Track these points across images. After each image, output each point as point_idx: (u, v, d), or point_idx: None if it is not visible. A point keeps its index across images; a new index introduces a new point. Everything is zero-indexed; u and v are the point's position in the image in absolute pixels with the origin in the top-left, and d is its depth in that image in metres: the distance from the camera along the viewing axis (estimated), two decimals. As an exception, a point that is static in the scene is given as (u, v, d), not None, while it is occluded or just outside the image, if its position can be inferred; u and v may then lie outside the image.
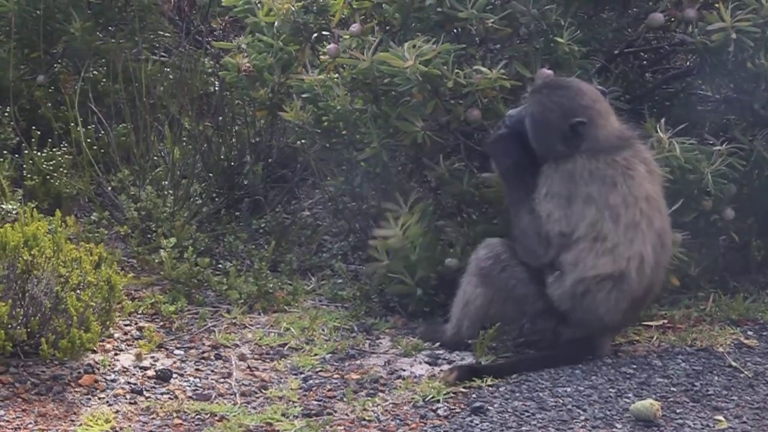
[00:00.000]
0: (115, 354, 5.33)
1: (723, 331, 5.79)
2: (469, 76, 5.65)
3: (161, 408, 4.86)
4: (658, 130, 5.70)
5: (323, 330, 5.72)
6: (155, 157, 6.97)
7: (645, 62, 6.89)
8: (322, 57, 6.22)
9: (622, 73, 6.51)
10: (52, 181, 6.74)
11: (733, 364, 5.43)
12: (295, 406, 4.92)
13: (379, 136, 5.91)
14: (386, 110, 5.91)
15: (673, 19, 6.26)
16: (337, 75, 6.10)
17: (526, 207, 5.39)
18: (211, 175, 7.03)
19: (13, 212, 6.17)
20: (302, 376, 5.24)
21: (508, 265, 5.42)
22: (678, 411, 4.94)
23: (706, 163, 5.74)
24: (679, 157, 5.64)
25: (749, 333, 5.81)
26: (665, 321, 5.90)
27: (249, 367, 5.32)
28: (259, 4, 6.51)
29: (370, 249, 5.90)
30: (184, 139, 7.16)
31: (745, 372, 5.36)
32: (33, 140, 6.87)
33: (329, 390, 5.11)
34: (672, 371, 5.34)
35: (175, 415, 4.82)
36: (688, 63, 6.80)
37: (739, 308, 6.01)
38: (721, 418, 4.89)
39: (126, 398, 4.94)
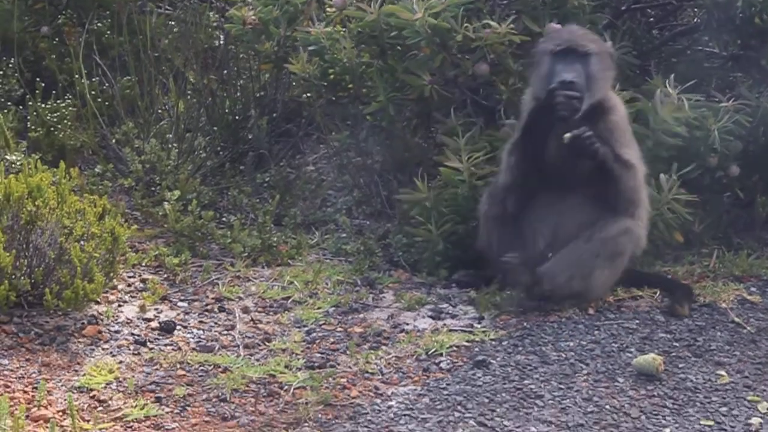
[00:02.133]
0: (119, 305, 5.34)
1: (726, 287, 5.78)
2: (478, 30, 5.62)
3: (165, 359, 4.87)
4: (667, 86, 5.67)
5: (327, 284, 5.73)
6: (159, 111, 6.97)
7: (652, 18, 6.86)
8: (328, 10, 6.19)
9: (629, 29, 6.48)
10: (56, 132, 6.74)
11: (736, 319, 5.44)
12: (298, 359, 4.93)
13: (386, 90, 5.89)
14: (393, 64, 5.89)
15: (681, -25, 6.24)
16: (343, 28, 6.07)
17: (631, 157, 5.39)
18: (215, 128, 7.02)
19: (18, 163, 6.18)
20: (305, 329, 5.25)
21: None
22: (680, 365, 4.95)
23: (713, 119, 5.72)
24: (688, 113, 5.61)
25: (752, 289, 5.81)
26: (669, 277, 5.90)
27: (252, 319, 5.33)
28: (265, -44, 6.47)
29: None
30: (189, 92, 7.15)
31: (748, 328, 5.36)
32: (37, 92, 6.86)
33: (332, 343, 5.12)
34: (674, 326, 5.34)
35: (178, 366, 4.83)
36: (695, 19, 6.76)
37: (743, 265, 6.01)
38: (723, 372, 4.90)
39: (129, 349, 4.95)
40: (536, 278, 5.38)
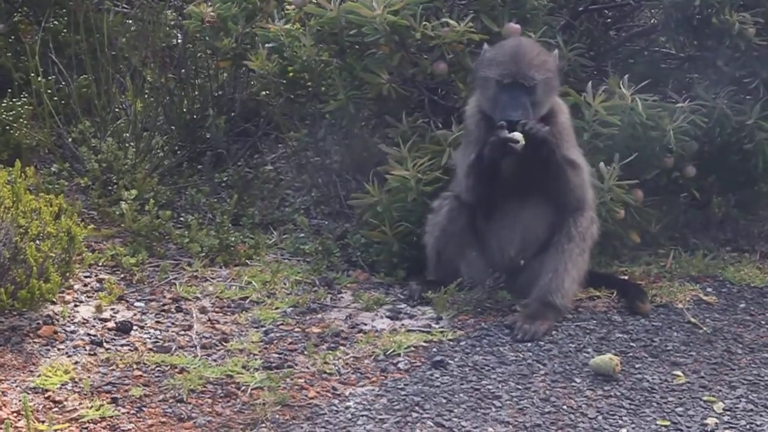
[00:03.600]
0: (75, 305, 5.30)
1: (682, 287, 5.83)
2: (437, 28, 5.62)
3: (121, 360, 4.84)
4: (621, 87, 5.69)
5: (285, 284, 5.71)
6: (117, 109, 6.92)
7: (609, 19, 6.89)
8: (288, 7, 6.17)
9: (587, 30, 6.51)
10: (11, 131, 6.68)
11: (692, 320, 5.47)
12: (256, 359, 4.91)
13: (345, 88, 5.88)
14: (352, 62, 5.88)
15: (639, -25, 6.27)
16: (303, 26, 6.06)
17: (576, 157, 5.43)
18: (173, 128, 6.99)
19: (-28, 162, 6.12)
20: (263, 329, 5.23)
21: None
22: (637, 366, 4.98)
23: (669, 120, 5.75)
24: (642, 114, 5.63)
25: (708, 290, 5.85)
26: (626, 277, 5.93)
27: (210, 319, 5.30)
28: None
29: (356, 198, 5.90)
30: (146, 91, 7.11)
31: (704, 328, 5.40)
32: (-8, 90, 6.80)
33: (290, 343, 5.10)
34: (631, 327, 5.37)
35: (135, 366, 4.79)
36: (652, 20, 6.80)
37: (699, 265, 6.05)
38: (679, 372, 4.93)
39: (85, 349, 4.91)
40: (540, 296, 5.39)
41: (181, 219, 6.32)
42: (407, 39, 5.66)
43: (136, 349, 4.96)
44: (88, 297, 5.41)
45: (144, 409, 4.46)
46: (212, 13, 6.35)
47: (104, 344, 4.97)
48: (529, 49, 5.38)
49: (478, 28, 5.70)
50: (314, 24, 5.88)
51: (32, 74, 6.68)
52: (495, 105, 5.28)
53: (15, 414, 4.33)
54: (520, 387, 4.75)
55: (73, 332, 5.05)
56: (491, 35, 5.70)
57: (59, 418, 4.35)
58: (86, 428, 4.31)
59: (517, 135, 5.13)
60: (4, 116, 6.68)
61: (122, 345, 4.99)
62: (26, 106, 6.76)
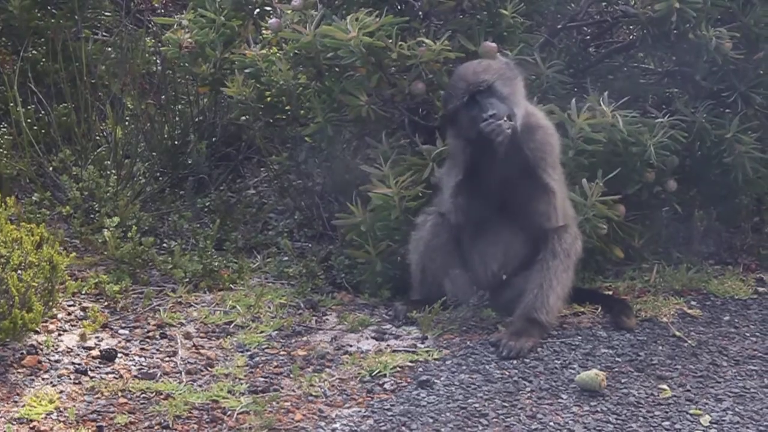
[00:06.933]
0: (59, 334, 5.28)
1: (667, 301, 5.84)
2: (413, 48, 5.63)
3: (106, 387, 4.81)
4: (601, 103, 5.70)
5: (269, 307, 5.70)
6: (97, 137, 6.91)
7: (588, 36, 6.91)
8: (264, 32, 6.18)
9: (565, 47, 6.52)
10: (-8, 161, 6.66)
11: (677, 333, 5.48)
12: (242, 383, 4.90)
13: (324, 110, 5.88)
14: (330, 85, 5.89)
15: (616, -9, 6.30)
16: (279, 50, 6.07)
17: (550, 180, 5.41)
18: (154, 154, 6.98)
19: (-47, 193, 6.09)
20: (248, 353, 5.22)
21: None
22: (623, 381, 4.98)
23: (649, 135, 5.76)
24: (622, 130, 5.65)
25: (692, 303, 5.87)
26: (610, 292, 5.94)
27: (195, 345, 5.29)
28: (201, -21, 6.45)
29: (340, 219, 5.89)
30: (127, 118, 7.10)
31: (689, 341, 5.41)
32: (-28, 120, 6.78)
33: (276, 366, 5.09)
34: (617, 342, 5.37)
35: (120, 394, 4.78)
36: (630, 36, 6.83)
37: (683, 279, 6.06)
38: (665, 386, 4.93)
39: (70, 378, 4.89)
40: (525, 313, 5.39)
41: (164, 245, 6.31)
42: (384, 60, 5.67)
43: (121, 376, 4.94)
44: (72, 326, 5.39)
45: (130, 436, 4.45)
46: (189, 40, 6.35)
47: (89, 372, 4.95)
48: (468, 64, 5.44)
49: (455, 47, 5.71)
50: (290, 48, 5.89)
51: (11, 104, 6.68)
52: (472, 121, 5.25)
53: (0, 445, 4.32)
54: (506, 404, 4.75)
55: (57, 361, 5.02)
56: (468, 54, 5.72)
57: (44, 447, 4.34)
58: (72, 457, 4.30)
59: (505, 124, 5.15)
60: (-17, 146, 6.67)
61: (107, 373, 4.97)
62: (6, 136, 6.74)
